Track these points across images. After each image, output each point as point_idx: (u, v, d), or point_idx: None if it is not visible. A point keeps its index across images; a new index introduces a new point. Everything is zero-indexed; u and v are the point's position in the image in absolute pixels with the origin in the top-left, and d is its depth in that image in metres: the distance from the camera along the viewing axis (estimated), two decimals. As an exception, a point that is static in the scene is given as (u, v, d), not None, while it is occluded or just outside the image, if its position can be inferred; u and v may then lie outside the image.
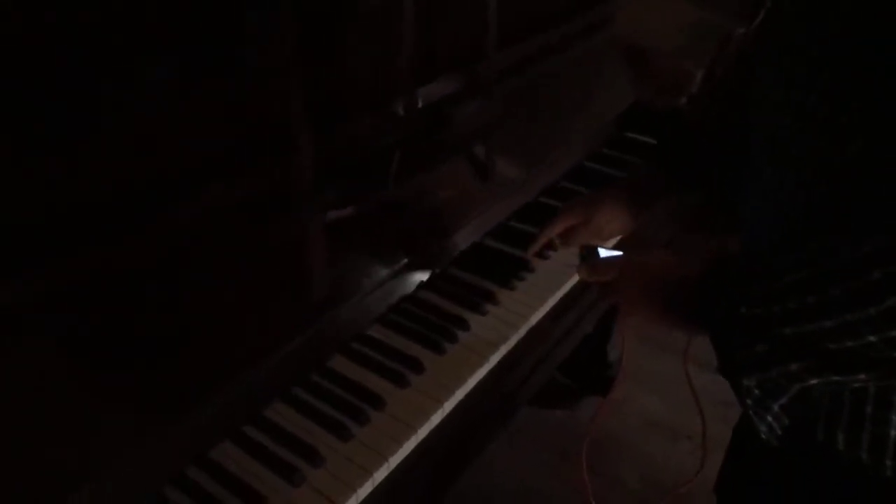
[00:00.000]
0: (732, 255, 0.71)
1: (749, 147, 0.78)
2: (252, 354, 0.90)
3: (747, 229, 0.80)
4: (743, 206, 0.80)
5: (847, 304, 0.56)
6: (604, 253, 0.87)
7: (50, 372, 0.77)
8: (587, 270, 0.87)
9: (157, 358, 0.83)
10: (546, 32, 1.52)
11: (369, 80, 1.15)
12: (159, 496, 0.82)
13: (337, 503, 0.82)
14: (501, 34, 1.21)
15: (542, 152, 1.41)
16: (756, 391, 0.67)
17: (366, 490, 0.86)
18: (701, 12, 1.79)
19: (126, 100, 0.86)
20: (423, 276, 1.16)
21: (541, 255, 1.23)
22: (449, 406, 0.97)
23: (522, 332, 1.10)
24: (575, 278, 1.21)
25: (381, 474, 0.87)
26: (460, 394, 0.99)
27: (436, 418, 0.95)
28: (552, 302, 1.18)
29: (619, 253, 0.87)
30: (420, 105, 1.17)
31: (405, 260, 1.10)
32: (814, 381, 0.63)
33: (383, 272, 1.07)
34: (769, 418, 0.68)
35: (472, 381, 1.01)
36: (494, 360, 1.05)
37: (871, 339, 0.56)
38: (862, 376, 0.60)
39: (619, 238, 1.22)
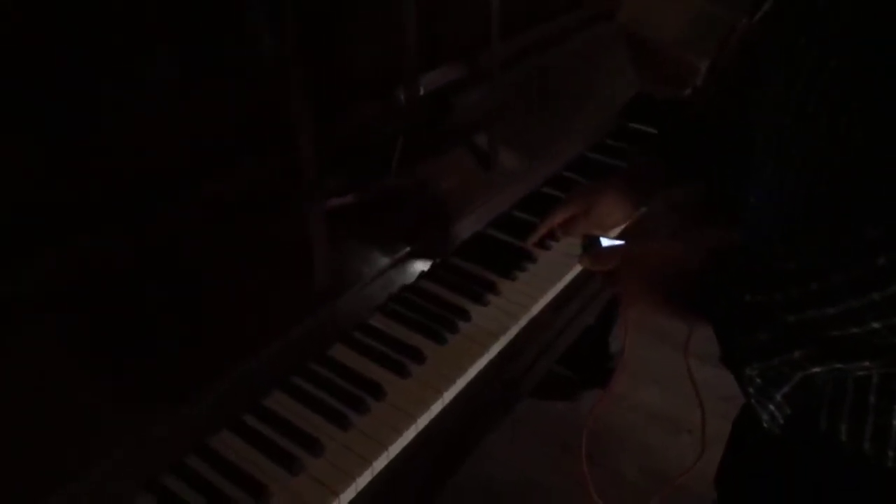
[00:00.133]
0: (735, 245, 0.71)
1: (750, 143, 0.77)
2: (252, 343, 0.90)
3: (748, 226, 0.79)
4: (744, 202, 0.80)
5: (850, 290, 0.56)
6: (606, 242, 0.87)
7: (48, 361, 0.77)
8: (589, 260, 0.87)
9: (157, 347, 0.83)
10: (550, 22, 1.51)
11: (371, 68, 1.15)
12: (159, 484, 0.82)
13: (336, 492, 0.82)
14: (504, 23, 1.21)
15: (545, 142, 1.40)
16: (758, 380, 0.67)
17: (365, 479, 0.85)
18: (705, 3, 1.78)
19: (128, 89, 0.87)
20: (424, 266, 1.16)
21: (542, 245, 1.23)
22: (449, 396, 0.97)
23: (523, 322, 1.10)
24: (577, 269, 1.20)
25: (380, 463, 0.87)
26: (461, 384, 0.99)
27: (436, 408, 0.95)
28: (554, 292, 1.17)
29: (621, 242, 0.87)
30: (422, 93, 1.16)
31: (407, 249, 1.10)
32: (816, 369, 0.63)
33: (385, 261, 1.07)
34: (771, 407, 0.68)
35: (472, 372, 1.01)
36: (495, 350, 1.05)
37: (875, 325, 0.56)
38: (865, 363, 0.60)
39: (621, 228, 1.22)
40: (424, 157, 1.16)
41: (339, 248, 1.00)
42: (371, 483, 0.86)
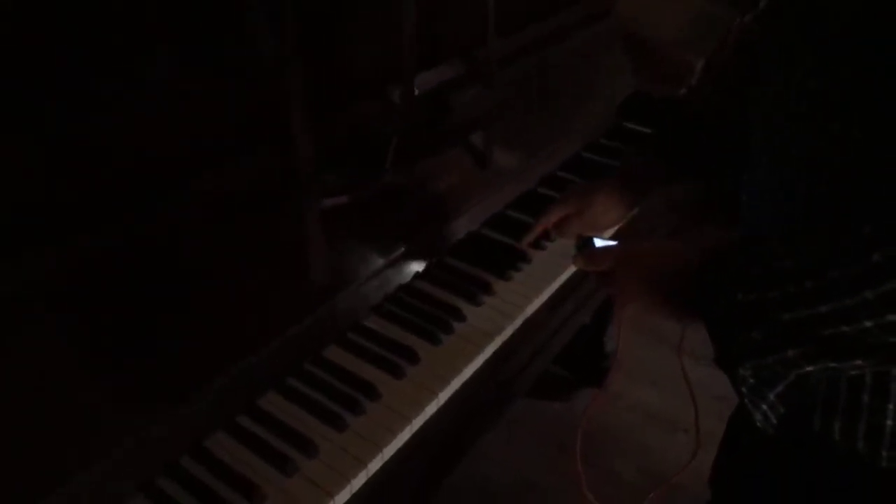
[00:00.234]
0: (731, 245, 0.71)
1: (748, 141, 0.77)
2: (248, 344, 0.89)
3: (746, 225, 0.79)
4: (742, 201, 0.80)
5: (845, 288, 0.56)
6: (600, 242, 0.87)
7: (44, 361, 0.76)
8: (583, 260, 0.87)
9: (152, 347, 0.83)
10: (546, 21, 1.51)
11: (368, 68, 1.14)
12: (153, 486, 0.82)
13: (331, 493, 0.82)
14: (501, 22, 1.21)
15: (541, 142, 1.40)
16: (751, 380, 0.67)
17: (360, 480, 0.85)
18: (705, 3, 1.78)
19: (128, 89, 0.87)
20: (419, 266, 1.15)
21: (537, 245, 1.22)
22: (444, 397, 0.97)
23: (518, 322, 1.10)
24: (571, 269, 1.20)
25: (375, 464, 0.87)
26: (456, 384, 0.99)
27: (431, 409, 0.95)
28: (549, 292, 1.17)
29: (616, 242, 0.87)
30: (417, 92, 1.16)
31: (402, 249, 1.10)
32: (810, 368, 0.63)
33: (380, 261, 1.07)
34: (764, 407, 0.68)
35: (467, 372, 1.01)
36: (490, 350, 1.05)
37: (867, 324, 0.56)
38: (858, 362, 0.60)
39: (616, 228, 1.22)
40: (420, 157, 1.16)
41: (335, 247, 1.00)
42: (366, 484, 0.86)
